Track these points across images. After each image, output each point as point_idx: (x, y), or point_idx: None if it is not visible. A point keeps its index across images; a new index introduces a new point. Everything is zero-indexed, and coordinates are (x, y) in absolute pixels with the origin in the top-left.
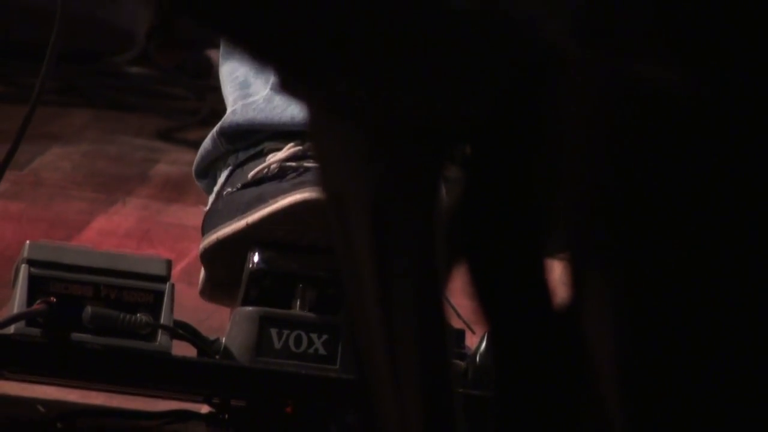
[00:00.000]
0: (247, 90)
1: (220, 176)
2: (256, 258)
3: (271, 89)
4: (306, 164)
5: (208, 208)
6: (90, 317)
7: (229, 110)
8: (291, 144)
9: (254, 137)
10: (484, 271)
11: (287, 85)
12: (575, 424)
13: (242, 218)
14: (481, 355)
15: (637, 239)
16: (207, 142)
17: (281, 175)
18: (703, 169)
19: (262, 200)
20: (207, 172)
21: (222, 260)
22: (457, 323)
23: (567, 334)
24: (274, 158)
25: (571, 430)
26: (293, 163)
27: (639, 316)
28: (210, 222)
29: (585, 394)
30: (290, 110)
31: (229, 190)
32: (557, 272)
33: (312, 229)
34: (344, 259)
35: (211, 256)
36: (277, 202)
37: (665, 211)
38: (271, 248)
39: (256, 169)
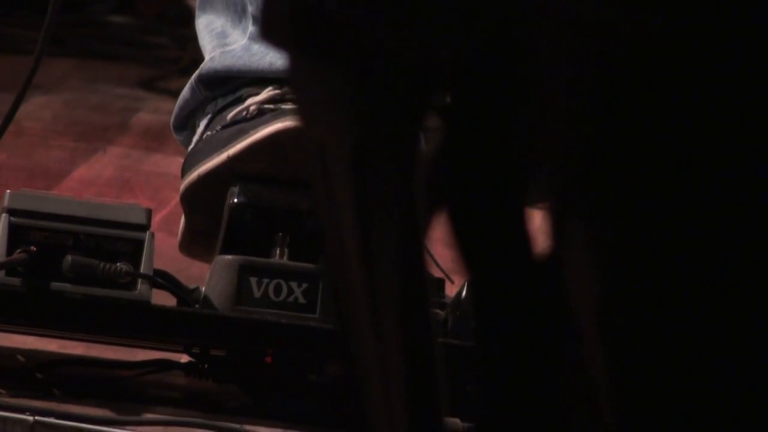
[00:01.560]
0: (225, 40)
1: (199, 125)
2: (237, 191)
3: (249, 39)
4: (284, 107)
5: (188, 150)
6: (70, 266)
7: (207, 58)
8: (269, 88)
9: (232, 83)
10: (464, 221)
11: (268, 32)
12: (556, 373)
13: (223, 152)
14: (460, 305)
15: (618, 188)
16: (185, 92)
17: (259, 116)
18: (681, 117)
19: (242, 132)
20: (186, 123)
21: (203, 200)
22: (436, 273)
23: (547, 284)
24: (252, 101)
25: (551, 378)
26: (271, 105)
27: (619, 265)
28: (190, 162)
29: (565, 343)
30: (269, 57)
31: (209, 133)
32: (537, 221)
33: (293, 160)
34: (324, 207)
35: (191, 196)
36: (258, 132)
37: (646, 158)
38: (252, 182)
39: (235, 111)
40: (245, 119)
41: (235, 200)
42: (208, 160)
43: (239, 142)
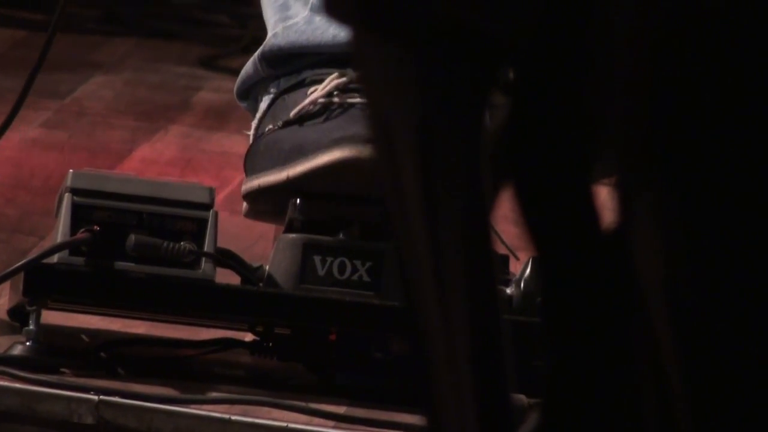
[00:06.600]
0: (287, 12)
1: (261, 101)
2: (296, 205)
3: (310, 10)
4: (349, 99)
5: (250, 143)
6: (133, 245)
7: (270, 34)
8: (333, 75)
9: (295, 63)
10: (531, 197)
11: (330, 6)
12: (623, 348)
13: (283, 170)
14: (525, 281)
15: (686, 162)
16: (248, 66)
17: (324, 112)
18: (755, 93)
19: (302, 153)
20: (248, 94)
21: (264, 203)
22: (501, 249)
23: (613, 259)
24: (316, 94)
25: (618, 353)
26: (336, 99)
27: (687, 240)
28: (252, 163)
29: (633, 318)
30: (331, 30)
31: (271, 127)
32: (602, 197)
33: (351, 184)
34: (390, 186)
35: (253, 199)
36: (317, 158)
37: (717, 134)
38: (311, 198)
39: (299, 107)
40: (309, 115)
41: (295, 215)
42: (268, 172)
43: (299, 164)
